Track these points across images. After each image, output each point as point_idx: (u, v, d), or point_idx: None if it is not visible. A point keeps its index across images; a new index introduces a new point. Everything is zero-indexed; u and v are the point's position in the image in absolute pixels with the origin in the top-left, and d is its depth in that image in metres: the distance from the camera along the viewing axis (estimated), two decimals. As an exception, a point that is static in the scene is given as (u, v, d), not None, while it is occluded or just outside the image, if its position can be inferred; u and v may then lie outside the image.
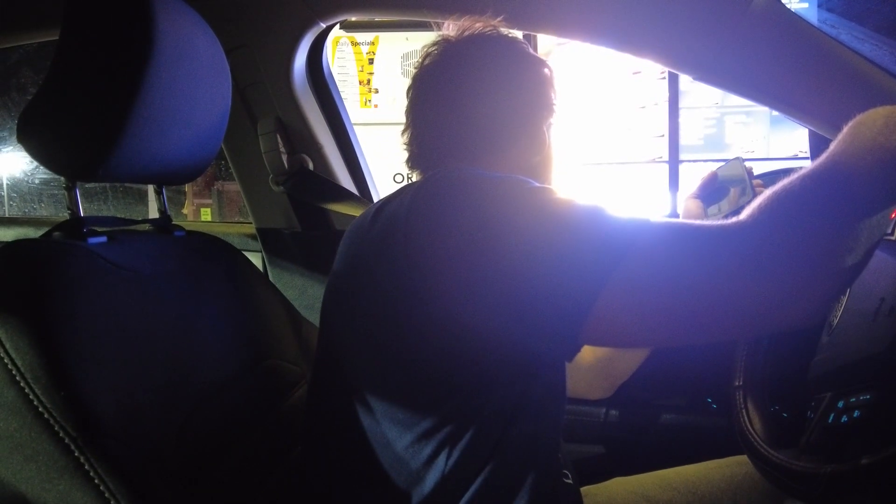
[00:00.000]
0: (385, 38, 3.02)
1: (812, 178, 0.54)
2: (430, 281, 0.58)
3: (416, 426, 0.63)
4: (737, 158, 0.93)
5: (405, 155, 0.81)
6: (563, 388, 0.75)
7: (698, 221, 0.55)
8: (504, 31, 0.79)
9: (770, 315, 0.53)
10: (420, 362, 0.62)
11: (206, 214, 4.53)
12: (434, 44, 0.78)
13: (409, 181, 0.75)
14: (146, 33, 0.66)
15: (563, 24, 1.05)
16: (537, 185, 0.60)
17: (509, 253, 0.54)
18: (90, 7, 0.67)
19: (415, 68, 0.80)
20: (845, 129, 0.58)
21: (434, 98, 0.77)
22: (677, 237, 0.54)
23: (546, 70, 0.79)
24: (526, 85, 0.77)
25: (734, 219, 0.54)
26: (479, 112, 0.74)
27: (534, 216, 0.56)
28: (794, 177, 0.54)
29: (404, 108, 0.82)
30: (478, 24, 0.78)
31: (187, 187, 4.25)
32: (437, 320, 0.59)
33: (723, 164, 0.94)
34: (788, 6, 0.95)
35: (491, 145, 0.75)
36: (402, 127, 0.83)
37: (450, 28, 0.79)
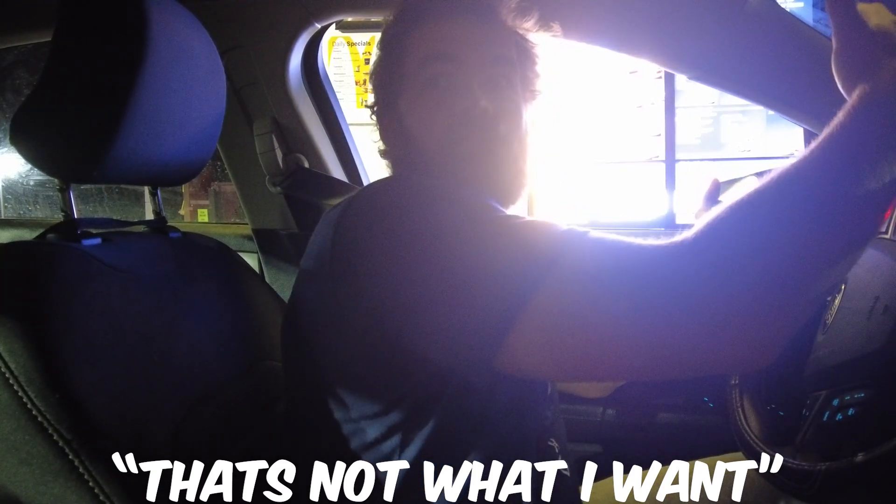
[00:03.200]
0: (381, 38, 3.02)
1: (770, 186, 0.44)
2: (354, 292, 0.57)
3: (373, 423, 0.62)
4: (751, 175, 0.91)
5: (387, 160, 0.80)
6: (538, 395, 0.72)
7: (640, 240, 0.47)
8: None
9: (706, 358, 0.45)
10: (357, 369, 0.62)
11: (203, 215, 4.53)
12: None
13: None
14: (140, 35, 0.66)
15: (566, 26, 1.05)
16: (471, 196, 0.57)
17: (426, 264, 0.51)
18: (84, 8, 0.67)
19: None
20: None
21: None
22: (609, 256, 0.47)
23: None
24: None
25: (679, 236, 0.45)
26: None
27: (456, 227, 0.52)
28: (752, 187, 0.46)
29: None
30: None
31: (184, 188, 4.24)
32: (363, 332, 0.58)
33: (732, 180, 0.88)
34: (783, 6, 0.96)
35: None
36: None
37: None
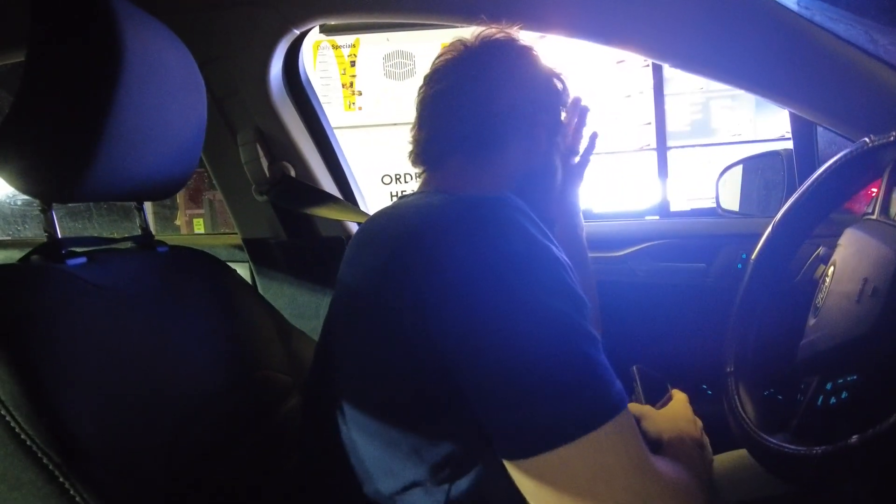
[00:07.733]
0: (366, 40, 3.01)
1: None
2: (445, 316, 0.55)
3: (422, 454, 0.61)
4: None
5: (407, 150, 0.83)
6: None
7: None
8: (518, 38, 0.83)
9: None
10: (418, 383, 0.59)
11: (200, 225, 4.52)
12: (450, 45, 0.82)
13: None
14: (113, 51, 0.65)
15: (542, 20, 1.05)
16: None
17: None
18: (55, 26, 0.66)
19: (430, 67, 0.83)
20: None
21: (447, 93, 0.80)
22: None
23: (558, 82, 0.84)
24: (533, 88, 0.81)
25: None
26: (486, 108, 0.78)
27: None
28: None
29: (415, 103, 0.84)
30: (493, 30, 0.82)
31: (179, 198, 4.23)
32: (441, 349, 0.56)
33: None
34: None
35: (492, 141, 0.78)
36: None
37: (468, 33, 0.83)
